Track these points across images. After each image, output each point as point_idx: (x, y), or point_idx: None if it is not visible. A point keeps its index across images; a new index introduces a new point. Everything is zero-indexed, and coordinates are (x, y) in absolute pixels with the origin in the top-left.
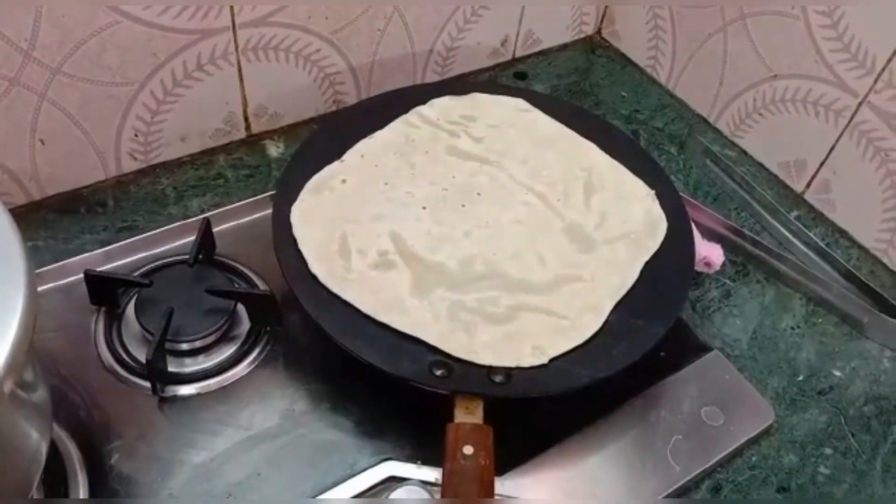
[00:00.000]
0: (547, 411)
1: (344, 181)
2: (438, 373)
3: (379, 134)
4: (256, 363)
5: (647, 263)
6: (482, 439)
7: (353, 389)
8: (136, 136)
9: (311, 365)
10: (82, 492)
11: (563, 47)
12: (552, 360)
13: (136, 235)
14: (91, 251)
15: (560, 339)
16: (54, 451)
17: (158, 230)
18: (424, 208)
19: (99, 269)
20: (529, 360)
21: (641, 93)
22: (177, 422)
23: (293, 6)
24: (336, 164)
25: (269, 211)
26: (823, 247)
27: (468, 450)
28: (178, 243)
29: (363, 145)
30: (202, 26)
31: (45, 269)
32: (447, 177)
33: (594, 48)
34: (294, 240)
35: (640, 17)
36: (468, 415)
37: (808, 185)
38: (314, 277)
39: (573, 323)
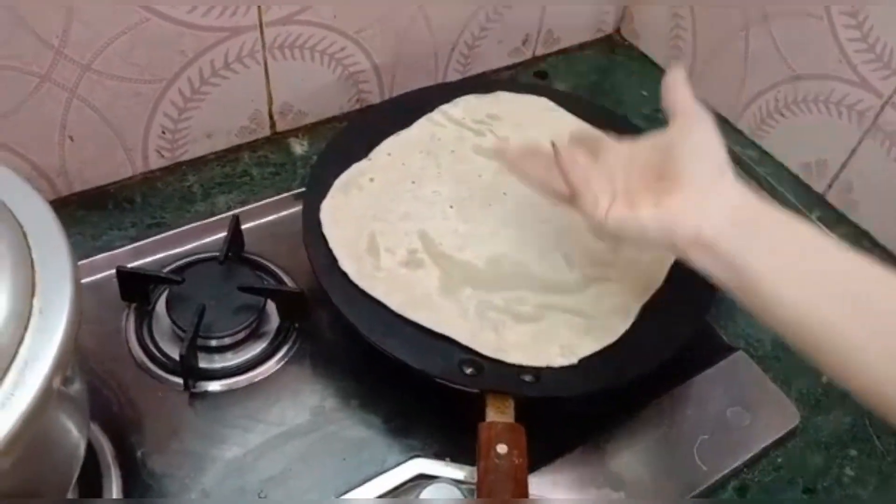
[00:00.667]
0: (574, 410)
1: (372, 179)
2: (468, 371)
3: (405, 132)
4: (286, 360)
5: (674, 263)
6: (516, 438)
7: (381, 387)
8: (163, 133)
9: (339, 362)
10: (115, 487)
11: (583, 46)
12: (582, 360)
13: (164, 232)
14: (120, 247)
15: (589, 340)
16: (88, 446)
17: (186, 227)
18: (451, 207)
19: (130, 266)
20: (559, 360)
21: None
22: (208, 417)
23: (319, 6)
24: (364, 162)
25: (295, 209)
26: None
27: (502, 448)
28: (205, 240)
29: (390, 143)
30: (230, 24)
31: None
32: (473, 175)
33: (614, 47)
34: (323, 237)
35: (659, 15)
36: (500, 414)
37: (830, 185)
38: (344, 275)
39: (601, 323)
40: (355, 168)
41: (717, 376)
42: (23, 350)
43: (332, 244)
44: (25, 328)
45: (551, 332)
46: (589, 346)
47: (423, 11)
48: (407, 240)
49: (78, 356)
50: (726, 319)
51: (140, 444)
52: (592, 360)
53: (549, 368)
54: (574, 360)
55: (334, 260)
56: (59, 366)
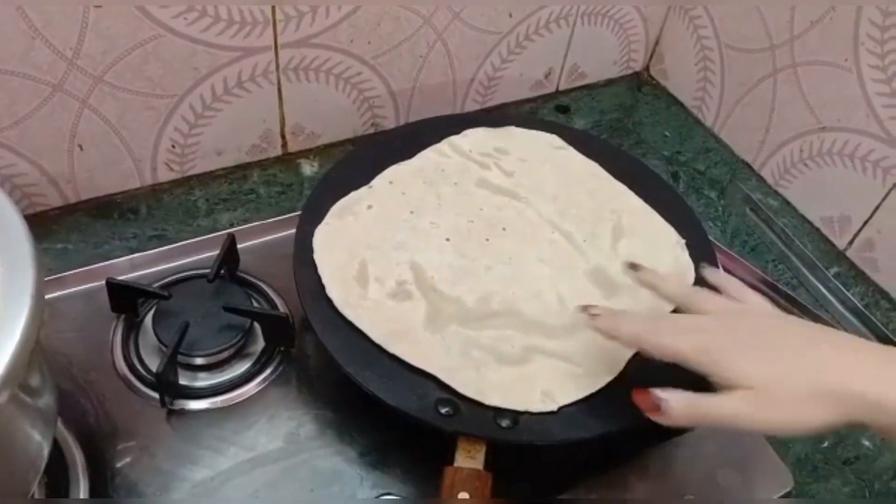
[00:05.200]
0: (553, 460)
1: (370, 207)
2: (443, 411)
3: (409, 162)
4: (267, 382)
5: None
6: (480, 487)
7: (361, 418)
8: (173, 147)
9: (321, 389)
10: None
11: (609, 82)
12: (562, 407)
13: (164, 245)
14: (119, 257)
15: (572, 387)
16: (59, 455)
17: (185, 242)
18: (448, 240)
19: (121, 278)
20: (538, 405)
21: (685, 134)
22: (183, 436)
23: (336, 29)
24: (364, 189)
25: (294, 230)
26: (861, 308)
27: (463, 496)
28: (203, 256)
29: (393, 172)
30: (245, 44)
31: (71, 272)
32: (474, 209)
33: (640, 85)
34: (313, 262)
35: (689, 56)
36: (469, 459)
37: (851, 242)
38: (329, 302)
39: (587, 370)
40: (354, 195)
41: (709, 434)
42: None
43: (320, 269)
44: None
45: (534, 376)
46: (572, 393)
47: (443, 40)
48: (398, 270)
49: (45, 365)
50: None
51: (112, 457)
52: (575, 408)
53: (527, 414)
54: (554, 406)
55: (322, 286)
56: (8, 381)
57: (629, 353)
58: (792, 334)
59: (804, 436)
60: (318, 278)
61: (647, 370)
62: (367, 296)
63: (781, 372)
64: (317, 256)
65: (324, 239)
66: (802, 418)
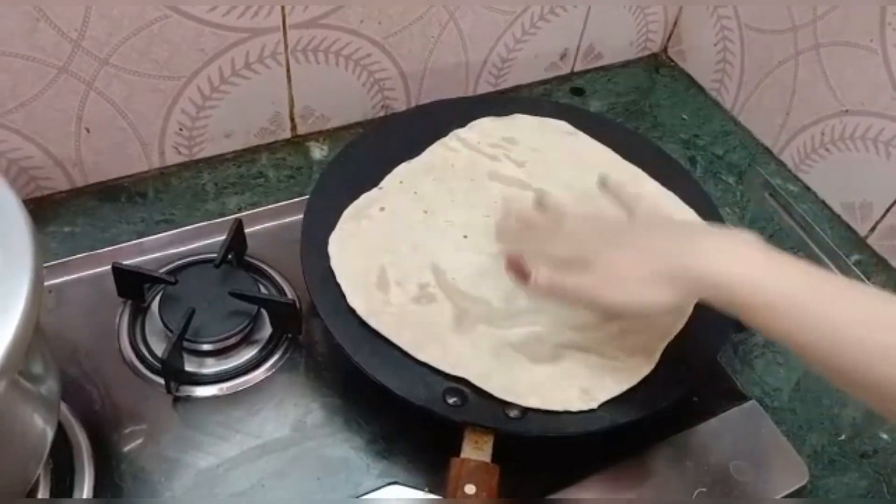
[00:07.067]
0: (563, 451)
1: (382, 209)
2: (451, 401)
3: (418, 159)
4: (275, 369)
5: None
6: (487, 479)
7: (368, 406)
8: (180, 130)
9: (329, 376)
10: (87, 486)
11: (626, 64)
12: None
13: (172, 229)
14: (126, 241)
15: (610, 381)
16: (64, 441)
17: (193, 226)
18: (465, 237)
19: (127, 263)
20: (577, 404)
21: (704, 117)
22: (188, 422)
23: (345, 10)
24: (374, 190)
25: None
26: None
27: (470, 489)
28: (211, 241)
29: (402, 171)
30: (252, 25)
31: (77, 256)
32: (489, 203)
33: (658, 67)
34: (320, 251)
35: (708, 37)
36: (476, 450)
37: (873, 229)
38: (338, 289)
39: (623, 364)
40: (365, 197)
41: (723, 425)
42: None
43: (339, 279)
44: None
45: (570, 374)
46: (610, 389)
47: (455, 20)
48: (418, 273)
49: (48, 352)
50: (742, 364)
51: (118, 443)
52: None
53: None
54: (594, 404)
55: (329, 274)
56: (7, 368)
57: (664, 343)
58: (654, 230)
59: (650, 312)
60: (325, 266)
61: (667, 360)
62: (389, 301)
63: (630, 257)
64: (334, 264)
65: (339, 245)
66: (646, 297)
